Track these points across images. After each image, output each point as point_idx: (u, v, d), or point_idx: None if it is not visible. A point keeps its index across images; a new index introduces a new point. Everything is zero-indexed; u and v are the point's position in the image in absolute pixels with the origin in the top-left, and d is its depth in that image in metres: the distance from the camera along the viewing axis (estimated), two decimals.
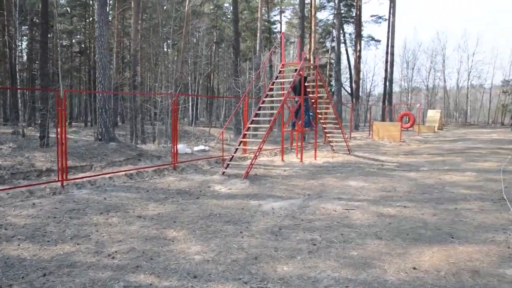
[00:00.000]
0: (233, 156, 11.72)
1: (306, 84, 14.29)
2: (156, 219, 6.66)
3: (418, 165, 13.30)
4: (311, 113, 15.50)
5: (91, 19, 36.03)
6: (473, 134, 31.64)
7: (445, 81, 62.26)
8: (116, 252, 5.11)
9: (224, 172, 11.05)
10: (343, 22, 42.65)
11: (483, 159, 14.91)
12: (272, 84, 13.68)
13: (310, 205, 7.59)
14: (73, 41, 37.73)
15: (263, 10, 39.84)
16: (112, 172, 10.49)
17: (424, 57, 76.00)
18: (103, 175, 10.19)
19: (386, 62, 40.93)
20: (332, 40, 42.28)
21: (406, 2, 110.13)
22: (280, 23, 49.63)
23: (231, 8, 32.32)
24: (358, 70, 40.41)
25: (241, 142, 12.43)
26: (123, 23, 36.34)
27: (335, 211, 7.16)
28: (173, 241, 5.54)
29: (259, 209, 7.33)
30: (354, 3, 41.02)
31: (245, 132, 12.49)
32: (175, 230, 6.03)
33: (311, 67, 15.75)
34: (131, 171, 10.74)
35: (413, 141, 23.28)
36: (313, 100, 14.81)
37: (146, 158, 13.11)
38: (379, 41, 48.63)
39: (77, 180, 9.53)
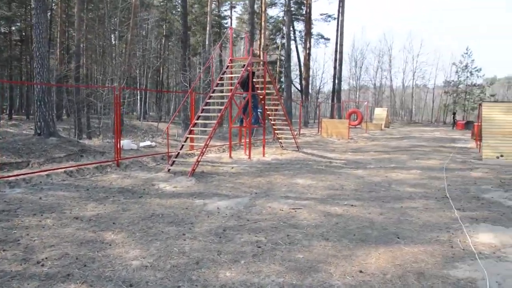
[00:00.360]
0: (179, 152, 11.34)
1: (254, 80, 14.08)
2: (94, 220, 6.23)
3: (366, 162, 13.40)
4: (259, 110, 15.32)
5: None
6: (418, 132, 32.57)
7: (391, 80, 64.11)
8: (46, 258, 4.68)
9: (169, 169, 10.67)
10: (293, 19, 42.84)
11: (427, 157, 15.24)
12: (220, 79, 13.39)
13: (256, 204, 7.37)
14: (13, 28, 35.72)
15: (213, 5, 39.39)
16: (50, 169, 9.87)
17: (372, 56, 77.69)
18: (40, 173, 9.54)
19: (335, 60, 41.53)
20: (283, 37, 42.33)
21: (355, 2, 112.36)
22: (231, 18, 49.37)
23: (180, 1, 31.69)
24: (307, 68, 40.69)
25: (187, 138, 12.06)
26: (68, 12, 34.82)
27: (282, 210, 6.98)
28: (110, 245, 5.16)
29: (204, 209, 7.04)
30: (304, 1, 41.23)
31: (192, 128, 12.13)
32: (114, 233, 5.64)
33: (260, 62, 15.55)
34: (71, 168, 10.14)
35: (361, 139, 23.63)
36: (261, 97, 14.62)
37: (89, 154, 12.48)
38: (328, 39, 49.34)
39: (10, 178, 8.88)
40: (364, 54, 65.17)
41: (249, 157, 13.28)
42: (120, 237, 5.47)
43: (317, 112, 34.56)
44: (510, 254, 5.06)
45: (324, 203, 7.58)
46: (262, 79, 14.63)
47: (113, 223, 6.10)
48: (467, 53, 52.73)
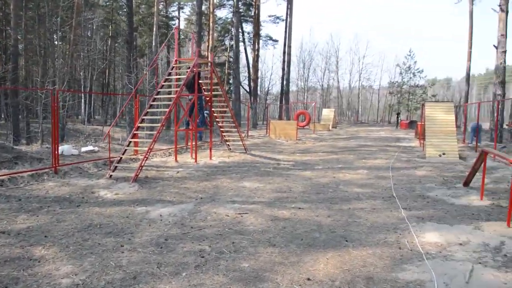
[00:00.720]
0: (121, 157, 10.87)
1: (200, 81, 13.77)
2: (23, 234, 5.72)
3: (313, 163, 13.39)
4: (206, 112, 15.02)
5: None
6: (364, 132, 33.21)
7: (338, 81, 65.27)
8: None
9: (111, 176, 10.17)
10: (242, 21, 42.73)
11: (373, 156, 15.44)
12: (165, 81, 13.00)
13: (201, 210, 7.10)
14: None
15: (160, 5, 38.66)
16: None
17: (320, 58, 78.70)
18: None
19: (283, 61, 41.75)
20: (231, 39, 42.12)
21: (303, 3, 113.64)
22: (179, 19, 48.62)
23: (126, 1, 30.83)
24: (256, 69, 40.67)
25: (130, 142, 11.60)
26: (4, 10, 33.12)
27: (228, 216, 6.74)
28: (39, 262, 4.72)
29: (145, 217, 6.68)
30: (253, 3, 41.22)
31: (135, 132, 11.68)
32: (44, 247, 5.18)
33: (207, 64, 15.25)
34: (3, 177, 9.47)
35: (309, 139, 23.76)
36: (208, 98, 14.33)
37: (24, 161, 11.74)
38: (276, 41, 49.56)
39: None
40: (312, 56, 65.96)
41: (196, 161, 12.96)
42: (51, 252, 5.03)
43: (266, 114, 34.44)
44: (455, 252, 5.06)
45: (271, 206, 7.41)
46: (209, 81, 14.34)
47: (45, 236, 5.64)
48: (410, 55, 54.56)
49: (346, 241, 5.50)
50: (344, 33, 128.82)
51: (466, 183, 9.37)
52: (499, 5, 24.20)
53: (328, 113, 39.18)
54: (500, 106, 23.32)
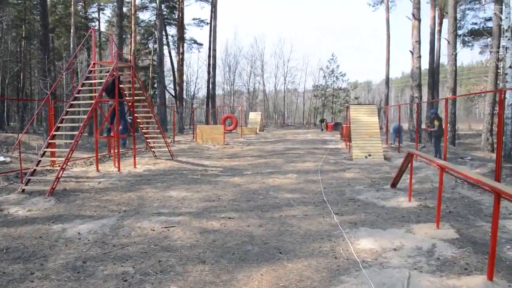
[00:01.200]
0: (35, 169, 9.97)
1: (121, 86, 13.06)
2: None
3: (242, 168, 13.12)
4: (129, 118, 14.31)
5: None
6: (291, 135, 33.58)
7: (264, 85, 65.83)
8: None
9: (24, 190, 9.25)
10: (165, 23, 41.87)
11: (302, 159, 15.45)
12: (82, 85, 12.17)
13: (124, 225, 6.54)
14: None
15: (79, 6, 36.93)
16: None
17: (245, 61, 79.11)
18: None
19: (209, 65, 41.35)
20: (155, 42, 41.09)
21: (227, 5, 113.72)
22: (99, 21, 46.73)
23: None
24: (181, 73, 39.97)
25: (45, 152, 10.70)
26: None
27: (154, 230, 6.25)
28: None
29: (62, 236, 6.03)
30: (176, 5, 40.49)
31: (51, 141, 10.80)
32: None
33: (129, 67, 14.55)
34: None
35: (237, 144, 23.54)
36: (130, 104, 13.63)
37: None
38: (201, 44, 49.08)
39: None
40: (238, 59, 66.14)
41: (119, 170, 12.24)
42: None
43: (192, 118, 33.85)
44: (391, 259, 4.94)
45: (200, 217, 7.01)
46: (130, 85, 13.65)
47: None
48: (333, 59, 56.08)
49: (280, 253, 5.22)
50: (269, 36, 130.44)
51: (394, 185, 9.49)
52: (412, 14, 25.35)
53: (255, 117, 39.26)
54: (418, 108, 24.35)
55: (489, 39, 45.52)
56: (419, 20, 24.62)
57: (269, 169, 13.00)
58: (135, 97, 13.88)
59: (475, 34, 43.58)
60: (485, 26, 45.48)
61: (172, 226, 6.43)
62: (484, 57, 48.60)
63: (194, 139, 24.63)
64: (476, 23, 45.90)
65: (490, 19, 45.63)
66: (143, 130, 15.51)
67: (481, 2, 43.36)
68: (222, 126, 23.61)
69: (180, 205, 7.94)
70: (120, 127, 13.14)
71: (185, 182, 10.55)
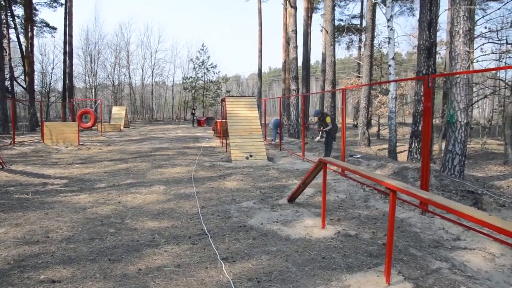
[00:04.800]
0: None
1: None
2: None
3: (95, 179, 10.13)
4: None
5: None
6: (160, 131, 30.57)
7: (130, 77, 61.12)
8: None
9: None
10: (11, 2, 35.99)
11: (172, 163, 12.86)
12: None
13: None
14: None
15: None
16: None
17: (109, 52, 72.97)
18: None
19: (65, 53, 36.46)
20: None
21: None
22: None
23: None
24: (30, 60, 34.43)
25: None
26: None
27: None
28: None
29: None
30: None
31: None
32: None
33: None
34: None
35: (95, 143, 20.01)
36: None
37: None
38: (54, 28, 43.11)
39: None
40: (100, 49, 60.32)
41: None
42: None
43: (41, 115, 29.16)
44: None
45: (3, 282, 4.12)
46: None
47: None
48: (203, 50, 53.62)
49: None
50: (135, 23, 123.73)
51: (292, 199, 7.37)
52: (289, 1, 23.97)
53: (118, 111, 35.32)
54: (295, 101, 23.07)
55: (353, 35, 47.07)
56: (295, 8, 23.27)
57: (130, 178, 10.19)
58: None
59: (341, 30, 44.46)
60: (350, 23, 46.82)
61: None
62: (349, 52, 50.13)
63: (43, 140, 20.53)
64: (342, 20, 47.01)
65: (355, 17, 47.15)
66: None
67: None
68: (76, 123, 19.82)
69: None
70: None
71: (5, 207, 7.32)
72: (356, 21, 46.37)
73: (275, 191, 8.48)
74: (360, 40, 42.43)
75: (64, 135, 18.87)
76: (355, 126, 39.67)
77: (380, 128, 37.16)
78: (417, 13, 45.62)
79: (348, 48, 48.94)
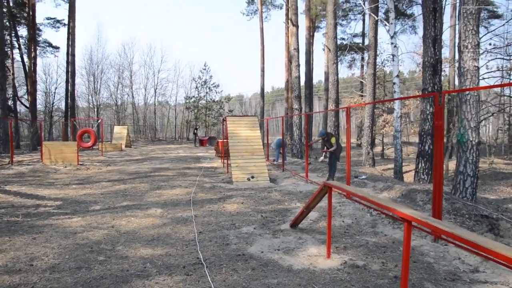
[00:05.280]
0: None
1: None
2: None
3: (90, 201, 9.73)
4: None
5: None
6: (161, 151, 30.22)
7: (133, 96, 61.10)
8: None
9: None
10: (15, 22, 36.05)
11: (171, 184, 12.46)
12: None
13: None
14: None
15: None
16: None
17: (112, 71, 73.04)
18: None
19: (67, 72, 36.43)
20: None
21: (88, 6, 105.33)
22: None
23: None
24: (33, 80, 34.37)
25: None
26: None
27: None
28: None
29: None
30: (26, 1, 34.94)
31: None
32: None
33: None
34: None
35: (95, 163, 19.66)
36: None
37: None
38: (57, 48, 43.09)
39: None
40: (103, 69, 60.33)
41: None
42: None
43: (40, 134, 28.86)
44: None
45: None
46: None
47: None
48: (205, 69, 53.56)
49: None
50: (138, 42, 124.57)
51: (295, 224, 6.95)
52: (290, 20, 23.79)
53: (120, 131, 35.04)
54: (298, 120, 22.74)
55: (355, 54, 46.98)
56: (297, 27, 23.06)
57: (127, 200, 9.79)
58: None
59: (343, 49, 44.41)
60: (352, 42, 46.79)
61: None
62: (352, 70, 50.04)
63: (41, 159, 20.18)
64: (344, 38, 46.97)
65: (356, 35, 47.11)
66: None
67: (350, 18, 44.40)
68: (75, 142, 19.52)
69: None
70: None
71: None
72: (358, 40, 46.33)
73: (277, 215, 8.06)
74: (362, 59, 42.27)
75: (63, 155, 18.54)
76: (359, 145, 39.26)
77: (384, 147, 36.74)
78: (419, 30, 45.54)
79: (350, 67, 48.85)
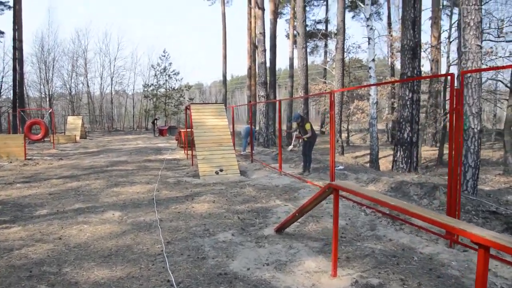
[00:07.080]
0: None
1: None
2: None
3: (36, 204, 8.34)
4: None
5: None
6: (119, 142, 28.55)
7: (88, 85, 58.37)
8: None
9: None
10: None
11: (130, 180, 11.17)
12: None
13: None
14: None
15: None
16: None
17: (65, 59, 69.33)
18: None
19: (14, 59, 33.98)
20: None
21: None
22: None
23: None
24: None
25: None
26: None
27: None
28: None
29: None
30: None
31: None
32: None
33: None
34: None
35: (45, 157, 17.96)
36: None
37: None
38: (2, 32, 40.25)
39: None
40: (56, 56, 57.13)
41: None
42: None
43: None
44: None
45: None
46: None
47: None
48: (164, 56, 51.62)
49: None
50: (94, 28, 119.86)
51: (281, 229, 5.88)
52: (256, 2, 22.61)
53: (74, 121, 32.99)
54: (265, 108, 21.74)
55: (318, 41, 46.20)
56: (263, 10, 21.92)
57: (79, 202, 8.45)
58: None
59: (308, 35, 43.56)
60: (315, 28, 46.02)
61: None
62: (313, 57, 49.32)
63: None
64: (307, 25, 46.10)
65: (320, 22, 46.36)
66: None
67: (313, 3, 43.55)
68: (22, 135, 17.76)
69: None
70: None
71: None
72: (321, 26, 45.57)
73: (256, 217, 6.96)
74: (326, 45, 41.55)
75: (8, 149, 16.77)
76: (323, 133, 38.66)
77: (349, 134, 36.31)
78: (384, 17, 45.18)
79: (312, 53, 47.99)
